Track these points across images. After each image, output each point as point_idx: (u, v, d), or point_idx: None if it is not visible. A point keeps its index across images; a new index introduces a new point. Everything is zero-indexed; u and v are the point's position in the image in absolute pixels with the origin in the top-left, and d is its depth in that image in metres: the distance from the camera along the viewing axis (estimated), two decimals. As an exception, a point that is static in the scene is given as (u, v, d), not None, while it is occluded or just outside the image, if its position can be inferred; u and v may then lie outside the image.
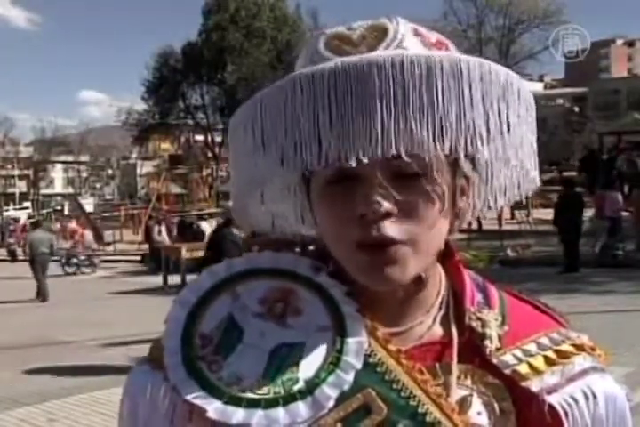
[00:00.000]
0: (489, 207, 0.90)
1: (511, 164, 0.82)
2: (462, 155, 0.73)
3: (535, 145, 0.82)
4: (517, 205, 19.78)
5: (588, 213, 15.34)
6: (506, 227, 18.15)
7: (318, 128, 0.70)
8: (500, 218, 18.33)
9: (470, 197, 0.84)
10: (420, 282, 0.80)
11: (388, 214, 0.72)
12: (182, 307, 0.82)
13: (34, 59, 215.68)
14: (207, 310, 0.81)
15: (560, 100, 51.40)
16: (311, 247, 0.88)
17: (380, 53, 0.72)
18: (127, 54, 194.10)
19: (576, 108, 43.73)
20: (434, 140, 0.69)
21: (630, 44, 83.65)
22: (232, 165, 0.84)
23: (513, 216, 20.05)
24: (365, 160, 0.69)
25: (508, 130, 0.74)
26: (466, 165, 0.80)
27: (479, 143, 0.72)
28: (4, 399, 6.36)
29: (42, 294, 13.53)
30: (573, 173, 25.20)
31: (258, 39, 39.67)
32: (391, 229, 0.73)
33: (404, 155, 0.69)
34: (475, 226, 18.17)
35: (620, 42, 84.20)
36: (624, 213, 14.72)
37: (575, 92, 50.62)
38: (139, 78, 51.52)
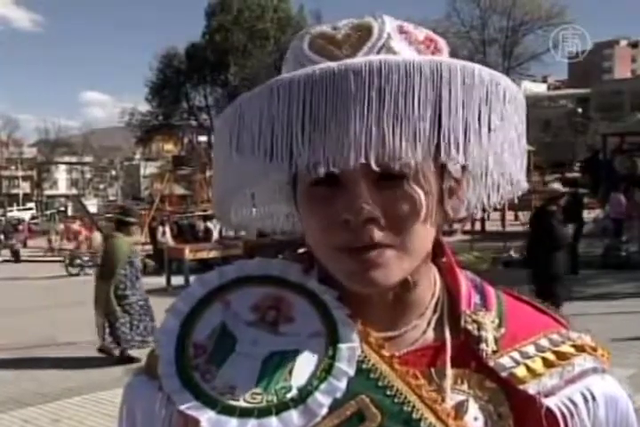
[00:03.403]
0: (483, 208, 0.88)
1: (490, 168, 0.79)
2: (443, 160, 0.71)
3: (523, 147, 0.78)
4: (521, 207, 19.82)
5: (592, 214, 15.31)
6: (509, 228, 18.13)
7: (291, 135, 0.69)
8: (503, 219, 18.33)
9: (461, 196, 0.82)
10: (408, 285, 0.78)
11: (371, 219, 0.71)
12: (175, 317, 0.82)
13: (37, 60, 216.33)
14: (200, 319, 0.81)
15: (563, 102, 51.37)
16: (301, 250, 0.86)
17: (360, 59, 0.70)
18: (130, 56, 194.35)
19: (579, 110, 43.62)
20: (407, 148, 0.67)
21: (634, 45, 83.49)
22: (214, 169, 0.83)
23: (516, 218, 20.04)
24: (335, 169, 0.68)
25: (489, 132, 0.71)
26: (453, 168, 0.78)
27: (454, 150, 0.69)
28: (7, 400, 6.36)
29: None
30: (577, 175, 25.15)
31: (261, 40, 39.78)
32: (375, 233, 0.71)
33: (373, 164, 0.67)
34: (478, 228, 18.22)
35: (623, 43, 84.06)
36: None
37: (579, 94, 50.60)
38: (142, 79, 51.72)
